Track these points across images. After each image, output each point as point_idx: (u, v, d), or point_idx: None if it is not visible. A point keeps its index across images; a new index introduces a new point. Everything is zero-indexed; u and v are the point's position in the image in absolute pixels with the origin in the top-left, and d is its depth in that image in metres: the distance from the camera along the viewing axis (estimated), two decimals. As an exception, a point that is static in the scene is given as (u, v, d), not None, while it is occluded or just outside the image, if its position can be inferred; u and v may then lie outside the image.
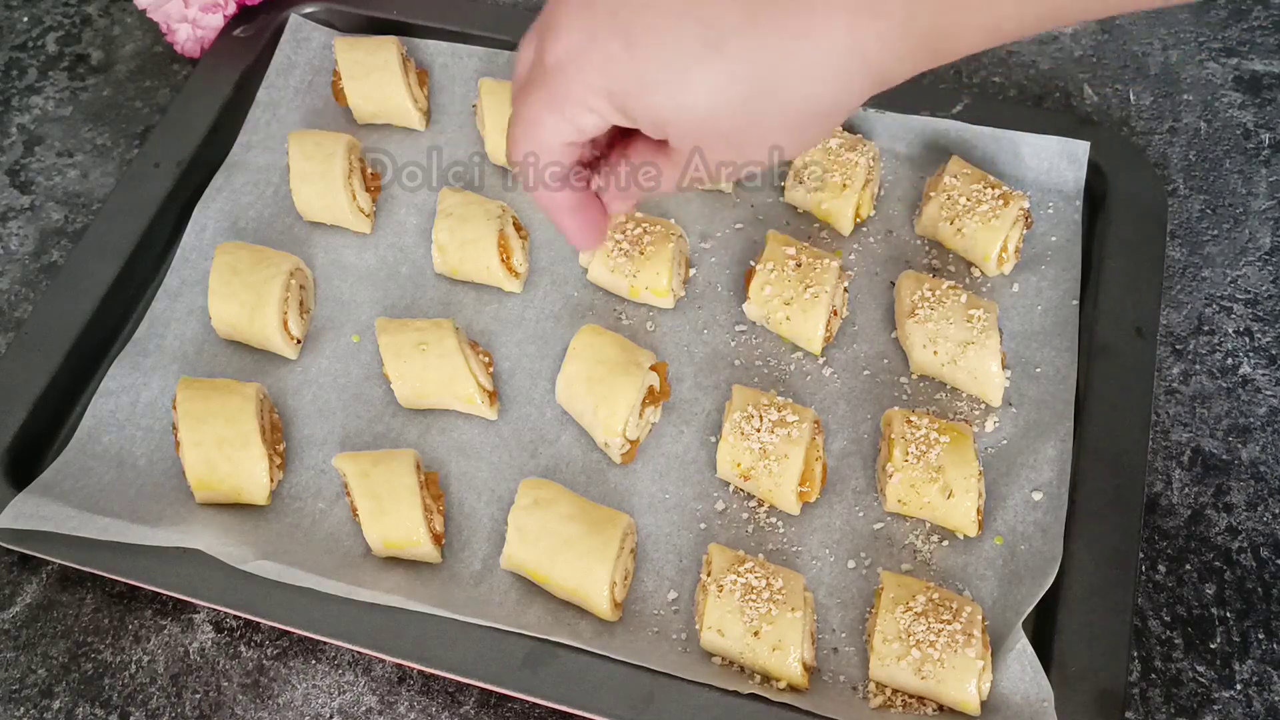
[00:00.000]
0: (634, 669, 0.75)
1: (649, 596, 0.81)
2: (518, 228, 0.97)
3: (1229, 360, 0.93)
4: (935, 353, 0.88)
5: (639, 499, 0.86)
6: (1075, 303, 0.92)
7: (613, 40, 0.54)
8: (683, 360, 0.92)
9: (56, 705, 0.79)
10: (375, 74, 1.03)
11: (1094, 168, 0.97)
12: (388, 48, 1.04)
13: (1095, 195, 0.98)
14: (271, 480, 0.84)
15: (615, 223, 0.82)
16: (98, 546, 0.80)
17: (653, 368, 0.87)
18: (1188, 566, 0.84)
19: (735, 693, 0.74)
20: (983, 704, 0.74)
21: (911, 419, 0.84)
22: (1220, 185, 1.03)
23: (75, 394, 0.91)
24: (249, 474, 0.83)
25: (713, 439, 0.88)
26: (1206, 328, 0.95)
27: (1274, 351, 0.93)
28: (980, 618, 0.75)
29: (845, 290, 0.93)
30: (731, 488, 0.86)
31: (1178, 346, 0.94)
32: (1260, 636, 0.81)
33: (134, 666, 0.81)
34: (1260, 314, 0.95)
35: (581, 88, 0.56)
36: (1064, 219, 0.97)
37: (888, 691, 0.76)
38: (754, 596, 0.75)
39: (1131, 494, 0.81)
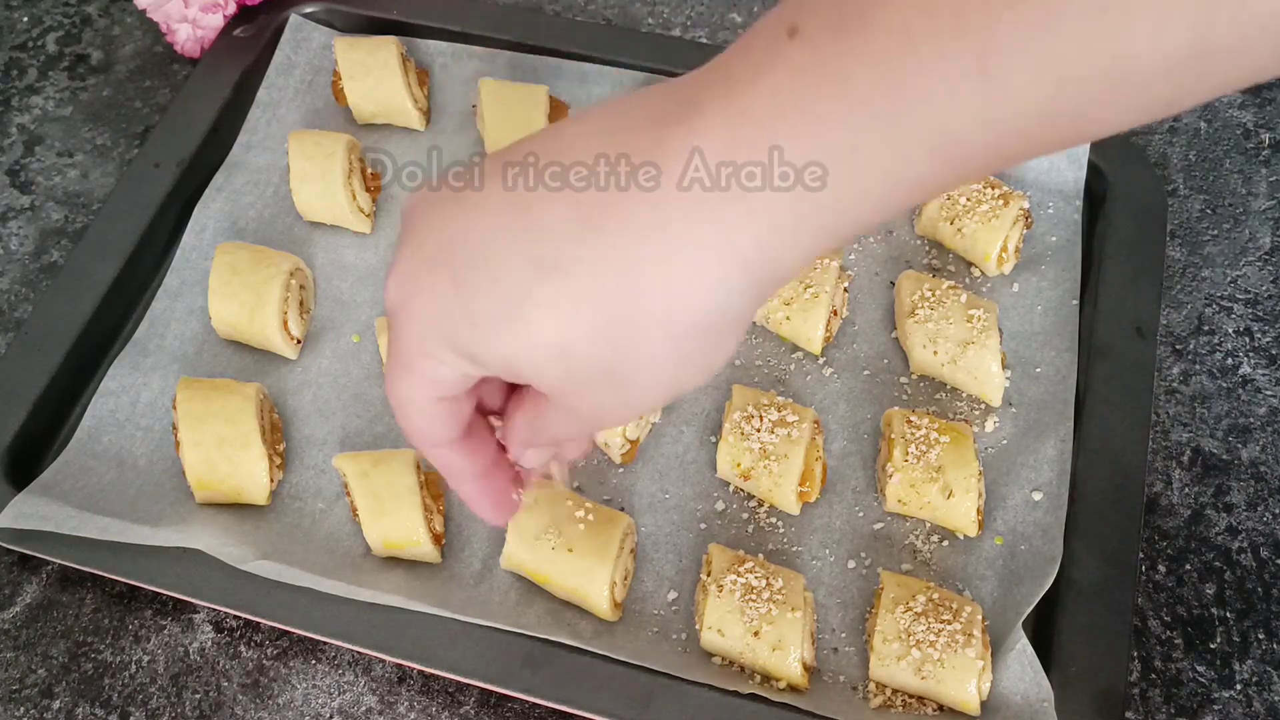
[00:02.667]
0: (634, 669, 0.75)
1: (649, 596, 0.81)
2: (518, 228, 0.97)
3: (1229, 360, 0.93)
4: (935, 353, 0.88)
5: (639, 499, 0.86)
6: (1075, 303, 0.92)
7: (439, 277, 0.46)
8: (683, 360, 0.92)
9: (56, 705, 0.79)
10: (375, 74, 1.03)
11: (1094, 168, 0.97)
12: (388, 48, 1.04)
13: (1095, 195, 0.98)
14: (271, 480, 0.84)
15: (546, 489, 0.71)
16: (98, 546, 0.80)
17: (653, 368, 0.87)
18: (1188, 566, 0.84)
19: (735, 693, 0.74)
20: (983, 704, 0.74)
21: (911, 419, 0.84)
22: (1220, 185, 1.03)
23: (75, 394, 0.91)
24: (249, 474, 0.83)
25: (713, 439, 0.88)
26: (1206, 328, 0.95)
27: (1274, 351, 0.93)
28: (980, 618, 0.75)
29: (845, 290, 0.93)
30: (731, 488, 0.86)
31: (1178, 346, 0.94)
32: (1260, 636, 0.81)
33: (134, 666, 0.81)
34: (1260, 314, 0.95)
35: (418, 337, 0.48)
36: (1064, 219, 0.97)
37: (888, 691, 0.76)
38: (754, 596, 0.75)
39: (1131, 494, 0.81)
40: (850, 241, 0.44)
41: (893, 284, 0.95)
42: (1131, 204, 0.95)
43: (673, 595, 0.81)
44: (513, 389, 0.56)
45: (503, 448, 0.59)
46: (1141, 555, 0.83)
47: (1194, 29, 0.36)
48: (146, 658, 0.81)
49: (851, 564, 0.82)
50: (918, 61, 0.38)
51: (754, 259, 0.43)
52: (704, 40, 1.14)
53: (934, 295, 0.89)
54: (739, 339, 0.47)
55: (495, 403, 0.57)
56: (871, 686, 0.77)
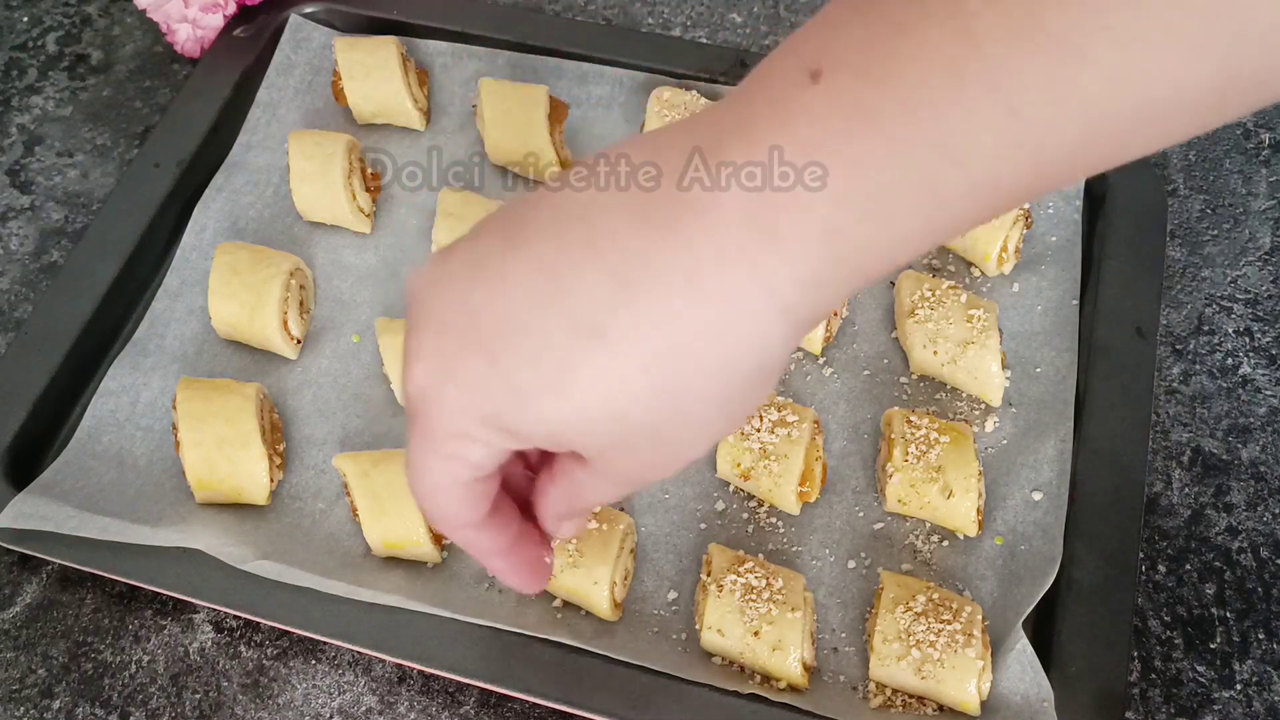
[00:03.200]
0: (634, 669, 0.75)
1: (649, 596, 0.81)
2: (518, 228, 0.97)
3: (1229, 360, 0.93)
4: (935, 353, 0.88)
5: (639, 499, 0.86)
6: (1075, 303, 0.92)
7: (473, 357, 0.45)
8: (683, 360, 0.92)
9: (56, 705, 0.79)
10: (375, 74, 1.03)
11: (1094, 168, 0.97)
12: (388, 48, 1.04)
13: (1095, 195, 0.98)
14: (271, 480, 0.84)
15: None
16: (98, 546, 0.80)
17: (653, 368, 0.87)
18: (1188, 566, 0.84)
19: (735, 693, 0.74)
20: (983, 704, 0.74)
21: (911, 419, 0.84)
22: (1220, 185, 1.03)
23: (75, 394, 0.91)
24: (249, 474, 0.83)
25: (713, 439, 0.88)
26: (1206, 328, 0.95)
27: (1274, 351, 0.93)
28: (980, 618, 0.75)
29: (845, 290, 0.93)
30: (731, 488, 0.86)
31: (1178, 346, 0.94)
32: (1260, 636, 0.81)
33: (134, 666, 0.81)
34: (1260, 314, 0.95)
35: (451, 419, 0.46)
36: (1064, 219, 0.97)
37: (888, 691, 0.76)
38: (754, 596, 0.75)
39: (1131, 494, 0.81)
40: (883, 281, 0.45)
41: (893, 284, 0.95)
42: (1131, 204, 0.95)
43: (673, 595, 0.81)
44: (544, 459, 0.54)
45: (530, 517, 0.57)
46: (1141, 555, 0.83)
47: (1222, 63, 0.36)
48: (146, 658, 0.81)
49: (851, 564, 0.82)
50: (948, 106, 0.38)
51: (794, 304, 0.42)
52: (704, 40, 1.14)
53: (934, 295, 0.89)
54: (778, 379, 0.47)
55: (519, 477, 0.57)
56: (871, 686, 0.77)
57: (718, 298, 0.42)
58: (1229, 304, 0.96)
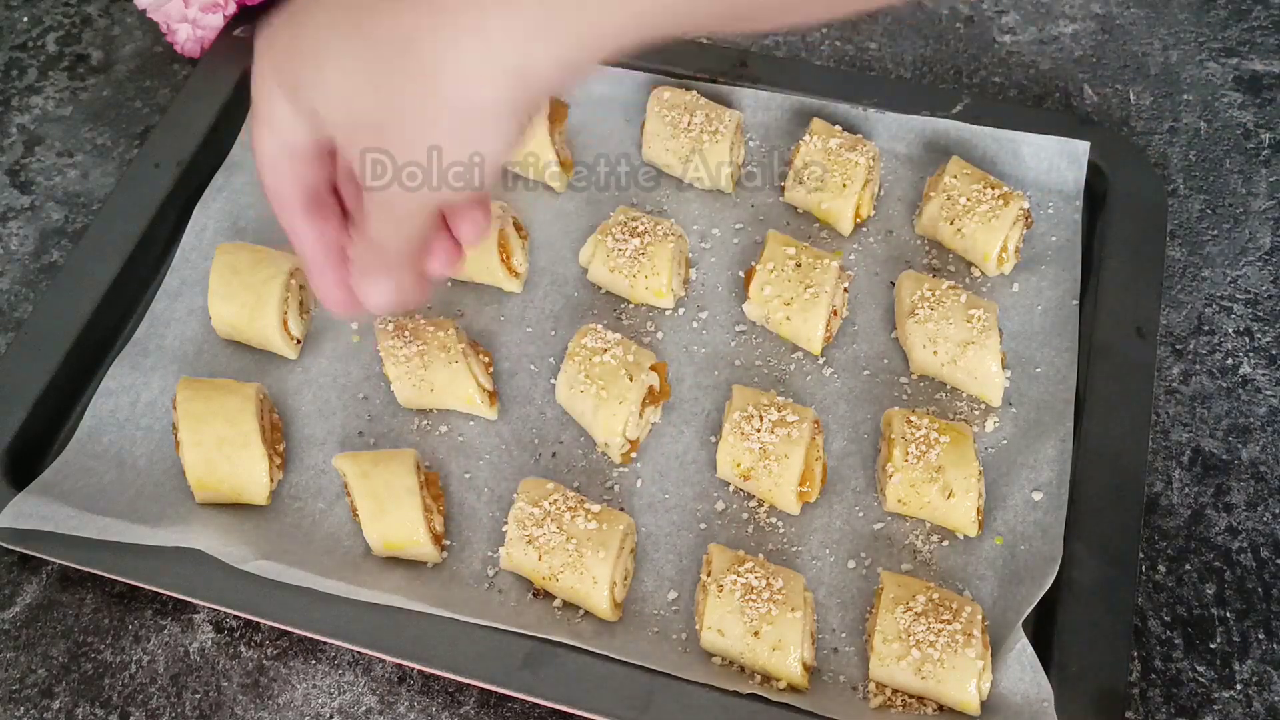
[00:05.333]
0: (634, 669, 0.75)
1: (649, 596, 0.81)
2: (518, 227, 0.97)
3: (1229, 360, 0.93)
4: (935, 353, 0.88)
5: (639, 499, 0.86)
6: (1075, 303, 0.92)
7: (279, 54, 0.55)
8: (683, 360, 0.92)
9: (56, 705, 0.79)
10: (375, 74, 1.03)
11: (1094, 168, 0.97)
12: (388, 48, 1.04)
13: (1095, 195, 0.98)
14: (271, 480, 0.84)
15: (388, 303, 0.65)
16: (98, 546, 0.80)
17: (653, 368, 0.87)
18: (1188, 566, 0.84)
19: (735, 693, 0.74)
20: (983, 704, 0.74)
21: (911, 419, 0.84)
22: (1220, 185, 1.03)
23: (75, 394, 0.91)
24: (249, 474, 0.83)
25: (713, 439, 0.88)
26: (1206, 328, 0.95)
27: (1274, 351, 0.93)
28: (980, 618, 0.75)
29: (845, 290, 0.93)
30: (731, 488, 0.86)
31: (1178, 346, 0.94)
32: (1260, 636, 0.81)
33: (134, 666, 0.81)
34: (1260, 314, 0.95)
35: (260, 81, 0.56)
36: (1064, 219, 0.97)
37: (888, 691, 0.76)
38: (754, 596, 0.75)
39: (1131, 494, 0.81)
40: (607, 56, 0.51)
41: (893, 284, 0.95)
42: (1131, 204, 0.95)
43: (673, 595, 0.81)
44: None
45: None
46: (1141, 555, 0.83)
47: None
48: (146, 658, 0.81)
49: (851, 564, 0.82)
50: None
51: (515, 56, 0.50)
52: (704, 40, 1.14)
53: (934, 295, 0.89)
54: (500, 139, 0.54)
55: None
56: (871, 686, 0.77)
57: (454, 30, 0.50)
58: (1229, 304, 0.96)
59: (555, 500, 0.80)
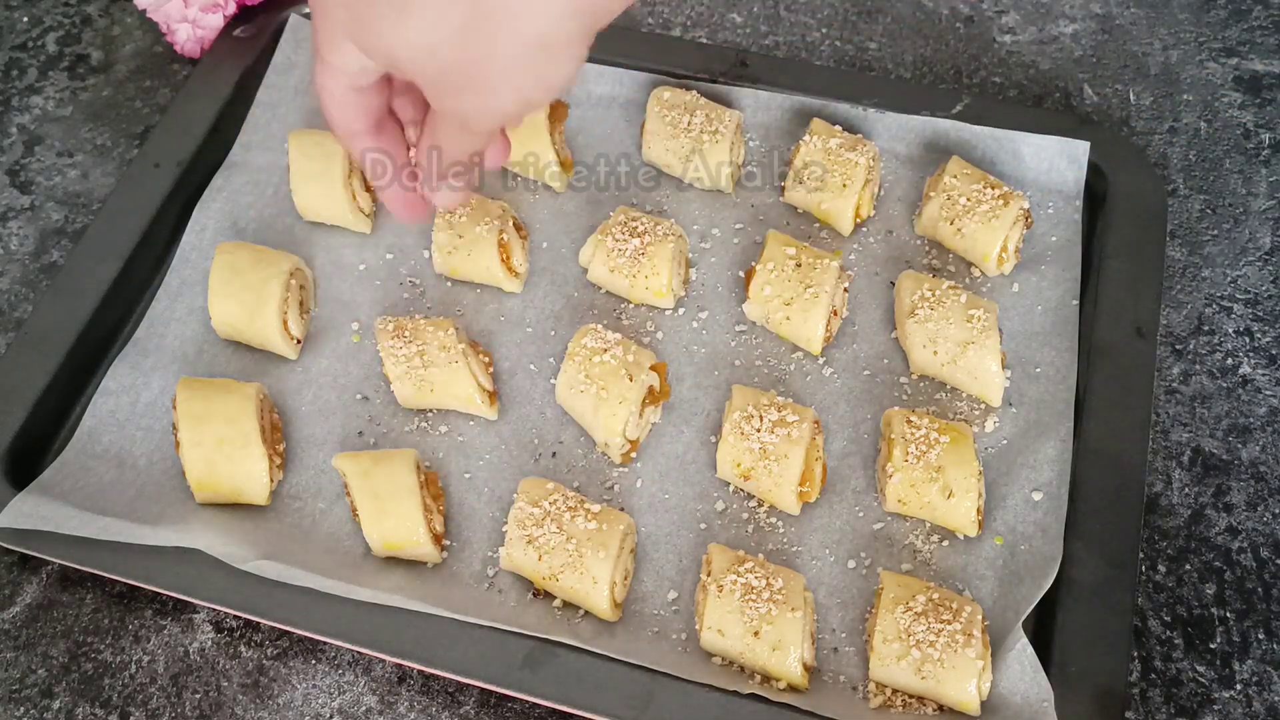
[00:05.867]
0: (634, 669, 0.75)
1: (649, 596, 0.81)
2: (518, 228, 0.97)
3: (1229, 360, 0.93)
4: (935, 353, 0.88)
5: (639, 499, 0.86)
6: (1075, 303, 0.92)
7: (343, 5, 0.57)
8: (683, 360, 0.92)
9: (56, 705, 0.79)
10: (375, 74, 1.03)
11: (1094, 168, 0.97)
12: (388, 48, 1.04)
13: (1095, 195, 0.98)
14: (271, 480, 0.84)
15: (448, 203, 0.73)
16: (98, 546, 0.80)
17: (653, 368, 0.87)
18: (1188, 566, 0.84)
19: (735, 693, 0.74)
20: (983, 704, 0.74)
21: (911, 419, 0.84)
22: (1220, 185, 1.03)
23: (75, 394, 0.91)
24: (249, 474, 0.83)
25: (713, 439, 0.88)
26: (1206, 328, 0.95)
27: (1274, 351, 0.93)
28: (980, 618, 0.75)
29: (845, 290, 0.93)
30: (731, 488, 0.86)
31: (1178, 346, 0.94)
32: (1260, 636, 0.81)
33: (134, 666, 0.81)
34: (1260, 314, 0.95)
35: (328, 32, 0.59)
36: (1064, 219, 0.97)
37: (888, 691, 0.76)
38: (754, 596, 0.75)
39: (1131, 494, 0.81)
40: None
41: (893, 284, 0.95)
42: (1131, 204, 0.95)
43: (673, 595, 0.81)
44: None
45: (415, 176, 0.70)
46: (1141, 555, 0.83)
47: None
48: (146, 658, 0.81)
49: (851, 564, 0.82)
50: None
51: None
52: (704, 40, 1.14)
53: (934, 295, 0.89)
54: (572, 64, 0.58)
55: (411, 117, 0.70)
56: (871, 686, 0.77)
57: None
58: (1229, 304, 0.96)
59: (555, 500, 0.80)
